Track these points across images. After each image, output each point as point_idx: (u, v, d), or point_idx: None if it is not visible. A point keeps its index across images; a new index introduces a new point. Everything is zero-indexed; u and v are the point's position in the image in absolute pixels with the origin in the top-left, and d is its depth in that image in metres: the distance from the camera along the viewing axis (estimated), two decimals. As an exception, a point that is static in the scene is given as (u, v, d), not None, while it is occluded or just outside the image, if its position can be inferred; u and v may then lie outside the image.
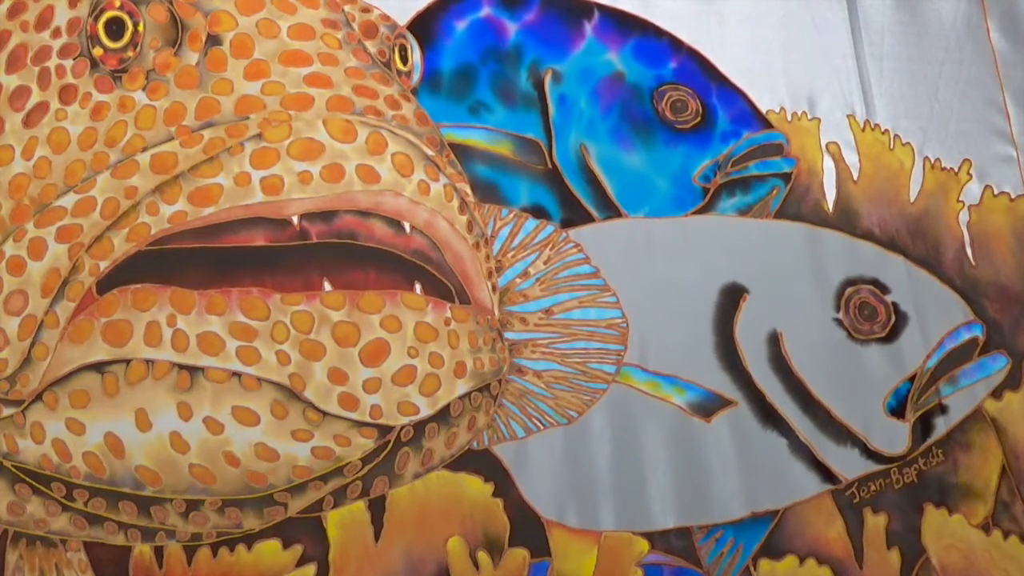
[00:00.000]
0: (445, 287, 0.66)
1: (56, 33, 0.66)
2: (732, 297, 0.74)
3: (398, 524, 0.65)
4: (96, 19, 0.65)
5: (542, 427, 0.69)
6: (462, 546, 0.66)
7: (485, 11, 0.76)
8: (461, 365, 0.66)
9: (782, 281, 0.74)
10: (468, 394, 0.67)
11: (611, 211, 0.74)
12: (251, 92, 0.64)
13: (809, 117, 0.79)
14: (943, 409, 0.73)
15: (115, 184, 0.62)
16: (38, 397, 0.62)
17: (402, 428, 0.65)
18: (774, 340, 0.73)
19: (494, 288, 0.70)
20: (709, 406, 0.71)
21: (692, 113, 0.78)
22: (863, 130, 0.79)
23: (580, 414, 0.70)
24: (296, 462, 0.63)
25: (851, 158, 0.77)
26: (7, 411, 0.63)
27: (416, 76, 0.73)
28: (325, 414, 0.63)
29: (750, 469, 0.70)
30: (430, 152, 0.67)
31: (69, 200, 0.62)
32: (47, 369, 0.62)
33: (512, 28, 0.76)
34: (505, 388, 0.69)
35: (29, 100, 0.65)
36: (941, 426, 0.73)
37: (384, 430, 0.64)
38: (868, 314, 0.74)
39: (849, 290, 0.74)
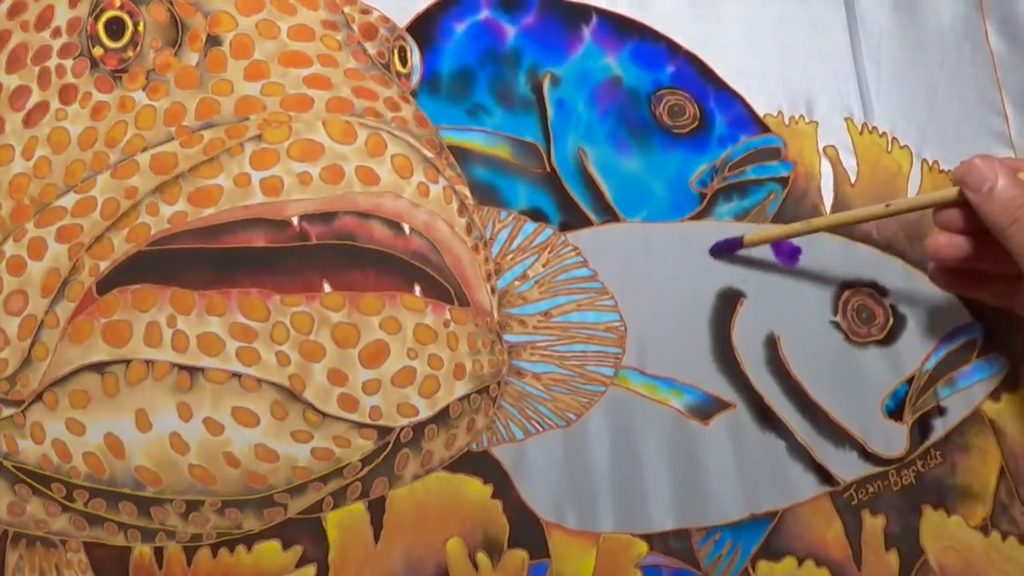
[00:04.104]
0: (444, 289, 0.66)
1: (56, 33, 0.66)
2: (729, 301, 0.74)
3: (398, 525, 0.65)
4: (96, 19, 0.65)
5: (541, 429, 0.69)
6: (461, 547, 0.66)
7: (484, 14, 0.76)
8: (460, 367, 0.66)
9: (779, 284, 0.74)
10: (467, 396, 0.67)
11: (609, 215, 0.74)
12: (251, 93, 0.64)
13: (807, 120, 0.78)
14: (941, 411, 0.73)
15: (115, 184, 0.62)
16: (38, 397, 0.62)
17: (402, 429, 0.65)
18: (772, 343, 0.73)
19: (493, 290, 0.70)
20: (707, 409, 0.71)
21: (690, 117, 0.78)
22: (861, 133, 0.78)
23: (579, 416, 0.69)
24: (296, 463, 0.63)
25: (849, 161, 0.77)
26: (7, 411, 0.62)
27: (415, 78, 0.73)
28: (325, 415, 0.63)
29: (748, 471, 0.70)
30: (429, 154, 0.67)
31: (69, 200, 0.62)
32: (47, 369, 0.62)
33: (511, 31, 0.76)
34: (504, 390, 0.69)
35: (29, 100, 0.65)
36: (939, 428, 0.73)
37: (384, 431, 0.64)
38: (866, 317, 0.74)
39: (847, 293, 0.74)
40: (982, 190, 0.63)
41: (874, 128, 0.79)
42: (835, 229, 0.75)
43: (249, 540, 0.64)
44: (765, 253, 0.74)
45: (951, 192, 0.66)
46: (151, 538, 0.63)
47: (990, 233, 0.64)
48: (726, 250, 0.73)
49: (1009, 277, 0.67)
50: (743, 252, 0.74)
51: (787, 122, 0.79)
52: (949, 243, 0.67)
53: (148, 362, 0.62)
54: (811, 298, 0.74)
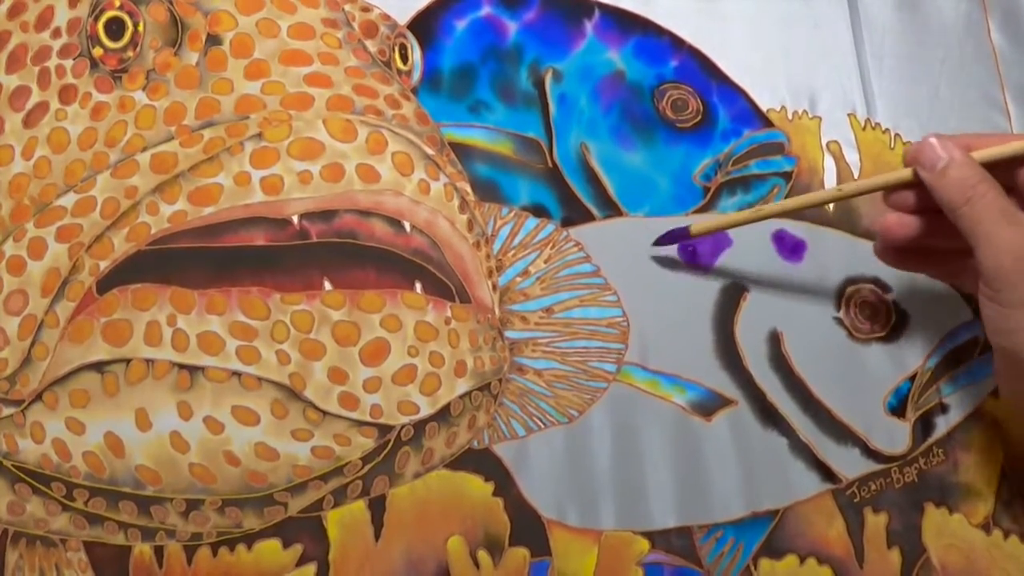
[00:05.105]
0: (445, 286, 0.66)
1: (56, 33, 0.66)
2: (732, 296, 0.74)
3: (398, 523, 0.65)
4: (96, 19, 0.65)
5: (543, 426, 0.69)
6: (462, 545, 0.65)
7: (485, 10, 0.76)
8: (461, 364, 0.66)
9: (782, 280, 0.74)
10: (468, 393, 0.67)
11: (611, 210, 0.74)
12: (251, 92, 0.64)
13: (810, 115, 0.78)
14: (944, 408, 0.73)
15: (115, 184, 0.62)
16: (38, 397, 0.62)
17: (402, 427, 0.65)
18: (774, 339, 0.73)
19: (495, 287, 0.70)
20: (709, 405, 0.71)
21: (693, 112, 0.77)
22: (864, 128, 0.78)
23: (581, 413, 0.69)
24: (296, 461, 0.63)
25: (851, 156, 0.77)
26: (7, 411, 0.63)
27: (416, 75, 0.73)
28: (325, 413, 0.63)
29: (750, 468, 0.70)
30: (430, 151, 0.67)
31: (69, 200, 0.63)
32: (47, 369, 0.62)
33: (512, 27, 0.76)
34: (506, 387, 0.69)
35: (29, 100, 0.65)
36: (942, 425, 0.73)
37: (384, 429, 0.64)
38: (869, 313, 0.74)
39: (850, 289, 0.74)
40: (936, 169, 0.63)
41: (877, 124, 0.79)
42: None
43: (249, 539, 0.64)
44: (767, 248, 0.74)
45: (905, 173, 0.65)
46: (151, 537, 0.63)
47: (940, 211, 0.63)
48: (672, 241, 0.73)
49: (956, 253, 0.67)
50: (732, 247, 0.74)
51: (790, 117, 0.78)
52: (899, 223, 0.67)
53: (148, 361, 0.62)
54: (814, 294, 0.74)
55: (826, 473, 0.71)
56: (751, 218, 0.70)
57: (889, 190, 0.67)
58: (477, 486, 0.67)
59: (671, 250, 0.73)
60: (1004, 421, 0.73)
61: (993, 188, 0.61)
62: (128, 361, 0.62)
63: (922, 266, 0.71)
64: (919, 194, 0.66)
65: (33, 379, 0.62)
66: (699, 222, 0.72)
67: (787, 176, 0.77)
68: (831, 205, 0.76)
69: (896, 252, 0.70)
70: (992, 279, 0.60)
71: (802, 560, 0.69)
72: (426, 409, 0.65)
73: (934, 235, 0.66)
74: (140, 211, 0.62)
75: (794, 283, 0.74)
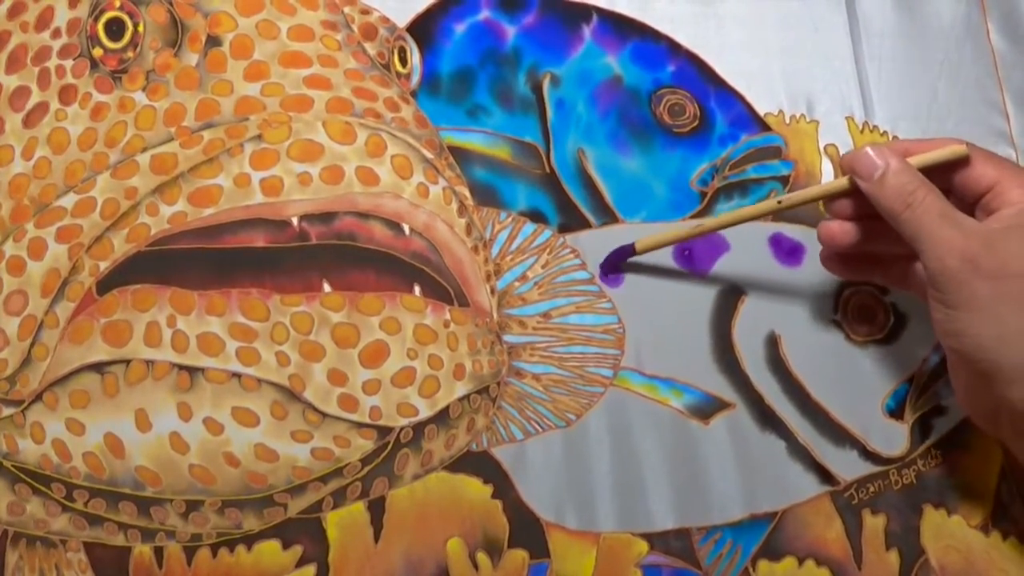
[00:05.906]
0: (444, 289, 0.66)
1: (56, 34, 0.66)
2: (730, 299, 0.74)
3: (398, 525, 0.65)
4: (96, 19, 0.65)
5: (541, 429, 0.69)
6: (462, 547, 0.65)
7: (484, 14, 0.76)
8: (460, 367, 0.66)
9: (780, 283, 0.74)
10: (467, 396, 0.67)
11: (608, 216, 0.73)
12: (251, 93, 0.65)
13: (808, 119, 0.78)
14: (942, 410, 0.73)
15: (115, 185, 0.63)
16: (38, 397, 0.62)
17: (401, 429, 0.65)
18: (772, 342, 0.73)
19: (493, 291, 0.70)
20: (707, 408, 0.71)
21: (690, 117, 0.77)
22: (862, 132, 0.78)
23: (578, 417, 0.69)
24: (296, 463, 0.63)
25: (849, 160, 0.77)
26: (7, 411, 0.63)
27: (415, 78, 0.73)
28: (325, 415, 0.63)
29: (749, 471, 0.70)
30: (429, 155, 0.67)
31: (69, 200, 0.63)
32: (47, 369, 0.62)
33: (511, 31, 0.76)
34: (504, 390, 0.69)
35: (29, 100, 0.65)
36: (940, 427, 0.73)
37: (383, 431, 0.64)
38: (867, 315, 0.74)
39: (847, 291, 0.74)
40: (873, 178, 0.62)
41: (875, 127, 0.79)
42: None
43: (249, 540, 0.64)
44: (764, 252, 0.74)
45: (842, 182, 0.65)
46: (151, 538, 0.63)
47: (881, 218, 0.63)
48: (620, 260, 0.73)
49: (902, 258, 0.67)
50: (730, 252, 0.74)
51: (788, 121, 0.78)
52: (841, 229, 0.67)
53: (148, 362, 0.62)
54: (812, 297, 0.74)
55: (824, 475, 0.71)
56: (693, 233, 0.70)
57: (829, 199, 0.67)
58: (476, 488, 0.67)
59: (667, 255, 0.74)
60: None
61: (932, 192, 0.61)
62: (128, 362, 0.62)
63: (869, 273, 0.70)
64: (858, 202, 0.65)
65: (33, 379, 0.62)
66: (644, 238, 0.72)
67: (784, 180, 0.77)
68: (821, 206, 0.76)
69: (842, 260, 0.70)
70: (938, 281, 0.60)
71: (800, 562, 0.69)
72: (425, 411, 0.65)
73: (877, 240, 0.66)
74: (140, 212, 0.62)
75: (792, 286, 0.74)
